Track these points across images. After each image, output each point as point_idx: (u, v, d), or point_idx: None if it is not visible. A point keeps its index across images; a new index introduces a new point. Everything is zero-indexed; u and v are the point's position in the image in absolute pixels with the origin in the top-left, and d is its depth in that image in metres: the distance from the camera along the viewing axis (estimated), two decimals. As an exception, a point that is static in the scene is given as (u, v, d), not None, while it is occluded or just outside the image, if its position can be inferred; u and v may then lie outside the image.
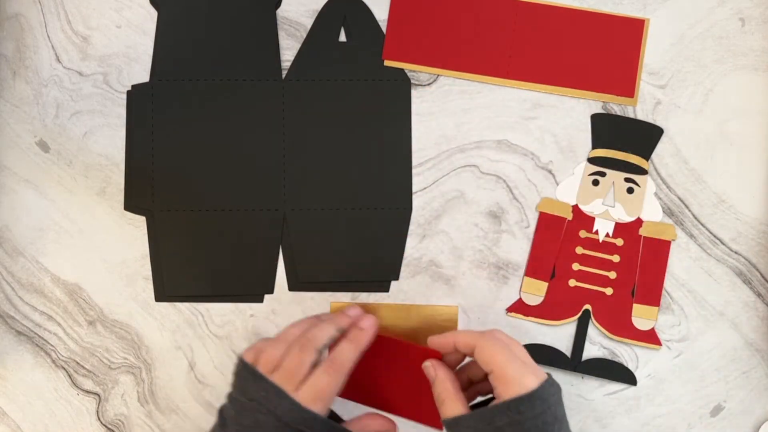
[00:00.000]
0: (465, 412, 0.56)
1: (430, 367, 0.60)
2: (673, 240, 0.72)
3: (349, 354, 0.60)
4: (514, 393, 0.54)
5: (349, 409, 0.70)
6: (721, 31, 0.73)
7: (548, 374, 0.57)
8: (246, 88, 0.73)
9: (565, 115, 0.73)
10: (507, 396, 0.54)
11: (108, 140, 0.73)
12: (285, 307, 0.72)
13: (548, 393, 0.55)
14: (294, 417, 0.55)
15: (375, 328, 0.63)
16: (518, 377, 0.54)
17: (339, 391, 0.59)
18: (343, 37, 0.73)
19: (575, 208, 0.72)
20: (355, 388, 0.64)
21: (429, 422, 0.64)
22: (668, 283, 0.72)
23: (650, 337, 0.72)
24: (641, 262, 0.72)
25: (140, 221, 0.73)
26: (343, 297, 0.72)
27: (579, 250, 0.72)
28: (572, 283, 0.72)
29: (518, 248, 0.72)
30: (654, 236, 0.72)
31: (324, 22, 0.73)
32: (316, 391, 0.56)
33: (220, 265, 0.72)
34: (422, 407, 0.64)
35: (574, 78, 0.72)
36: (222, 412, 0.58)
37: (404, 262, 0.72)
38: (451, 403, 0.57)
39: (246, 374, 0.57)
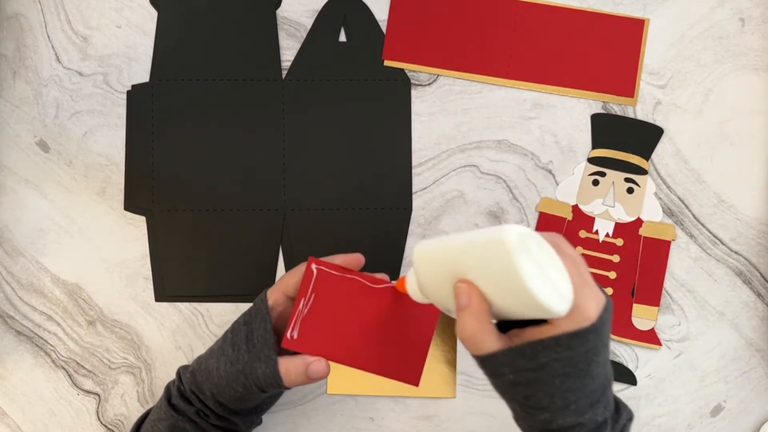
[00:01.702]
0: (502, 347, 0.48)
1: (464, 291, 0.48)
2: (673, 240, 0.72)
3: None
4: (571, 326, 0.46)
5: (349, 408, 0.70)
6: (721, 31, 0.73)
7: (603, 290, 0.50)
8: (246, 88, 0.73)
9: (565, 115, 0.73)
10: (560, 329, 0.46)
11: (108, 140, 0.73)
12: (285, 307, 0.72)
13: (603, 320, 0.48)
14: (269, 382, 0.58)
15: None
16: (582, 306, 0.47)
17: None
18: (343, 37, 0.73)
19: (575, 208, 0.72)
20: (323, 342, 0.60)
21: (403, 377, 0.61)
22: (668, 283, 0.72)
23: (650, 337, 0.72)
24: (641, 262, 0.72)
25: (140, 221, 0.73)
26: (343, 297, 0.72)
27: (579, 250, 0.72)
28: (572, 283, 0.72)
29: (518, 248, 0.72)
30: (654, 236, 0.72)
31: (324, 22, 0.73)
32: (306, 377, 0.58)
33: (220, 265, 0.72)
34: (402, 361, 0.61)
35: (574, 78, 0.72)
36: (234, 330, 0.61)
37: (404, 262, 0.72)
38: (486, 336, 0.48)
39: (263, 321, 0.60)
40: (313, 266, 0.60)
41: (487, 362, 0.49)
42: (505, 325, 0.50)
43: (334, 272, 0.61)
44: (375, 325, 0.61)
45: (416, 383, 0.60)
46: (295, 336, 0.59)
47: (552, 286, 0.45)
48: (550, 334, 0.47)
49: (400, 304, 0.61)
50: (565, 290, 0.46)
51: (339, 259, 0.61)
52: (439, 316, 0.61)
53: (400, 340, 0.61)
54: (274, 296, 0.60)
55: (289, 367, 0.57)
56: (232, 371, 0.58)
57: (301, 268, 0.60)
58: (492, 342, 0.48)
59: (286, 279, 0.61)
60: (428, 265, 0.52)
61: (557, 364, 0.46)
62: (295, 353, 0.59)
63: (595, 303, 0.47)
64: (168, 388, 0.63)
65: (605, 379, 0.50)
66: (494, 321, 0.49)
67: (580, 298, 0.47)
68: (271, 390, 0.58)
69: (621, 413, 0.51)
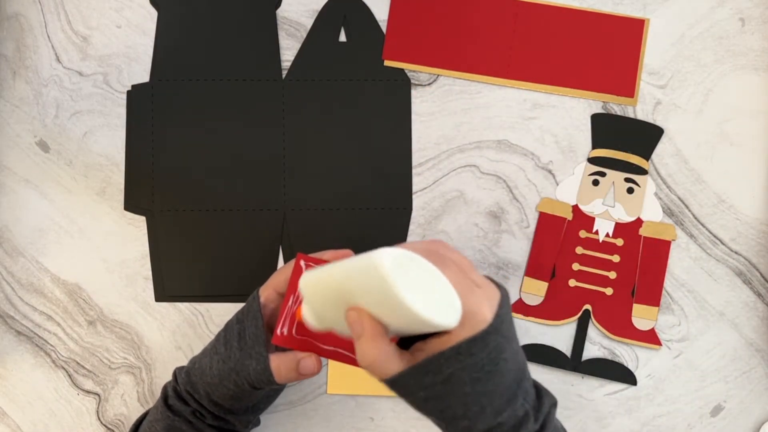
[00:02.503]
0: (406, 366, 0.48)
1: (356, 320, 0.47)
2: (673, 240, 0.72)
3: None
4: (468, 332, 0.46)
5: (349, 408, 0.70)
6: (721, 31, 0.73)
7: (497, 283, 0.50)
8: (246, 88, 0.73)
9: (565, 115, 0.73)
10: (458, 337, 0.46)
11: (108, 140, 0.73)
12: (285, 307, 0.72)
13: (501, 317, 0.48)
14: (260, 379, 0.58)
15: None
16: (475, 310, 0.47)
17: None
18: (343, 37, 0.73)
19: (575, 208, 0.72)
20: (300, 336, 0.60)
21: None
22: (668, 283, 0.72)
23: (650, 337, 0.72)
24: (641, 262, 0.72)
25: (140, 221, 0.73)
26: (343, 297, 0.72)
27: (579, 250, 0.72)
28: (572, 283, 0.72)
29: (518, 248, 0.72)
30: (654, 236, 0.72)
31: (324, 22, 0.73)
32: (296, 374, 0.58)
33: (220, 265, 0.72)
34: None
35: (574, 78, 0.72)
36: (227, 328, 0.61)
37: (404, 262, 0.72)
38: (386, 360, 0.48)
39: (255, 319, 0.60)
40: (302, 262, 0.60)
41: (395, 384, 0.48)
42: (409, 340, 0.50)
43: None
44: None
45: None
46: (285, 332, 0.58)
47: (437, 301, 0.45)
48: (449, 344, 0.46)
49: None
50: (451, 301, 0.46)
51: (328, 255, 0.61)
52: None
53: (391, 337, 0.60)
54: (266, 294, 0.60)
55: (279, 363, 0.57)
56: (224, 369, 0.58)
57: (291, 265, 0.60)
58: (394, 364, 0.48)
59: (276, 276, 0.61)
60: (317, 296, 0.52)
61: (463, 372, 0.46)
62: (287, 350, 0.59)
63: (487, 303, 0.47)
64: (165, 389, 0.63)
65: (518, 371, 0.49)
66: (396, 338, 0.50)
67: (470, 302, 0.47)
68: (262, 386, 0.58)
69: (543, 401, 0.51)
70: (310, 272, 0.52)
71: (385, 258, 0.44)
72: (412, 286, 0.44)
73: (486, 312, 0.47)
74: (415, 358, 0.48)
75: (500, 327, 0.47)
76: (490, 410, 0.47)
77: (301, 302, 0.58)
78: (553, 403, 0.52)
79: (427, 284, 0.46)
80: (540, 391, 0.52)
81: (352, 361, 0.59)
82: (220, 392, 0.59)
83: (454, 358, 0.46)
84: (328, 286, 0.50)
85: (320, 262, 0.60)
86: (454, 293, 0.46)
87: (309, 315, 0.54)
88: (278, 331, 0.58)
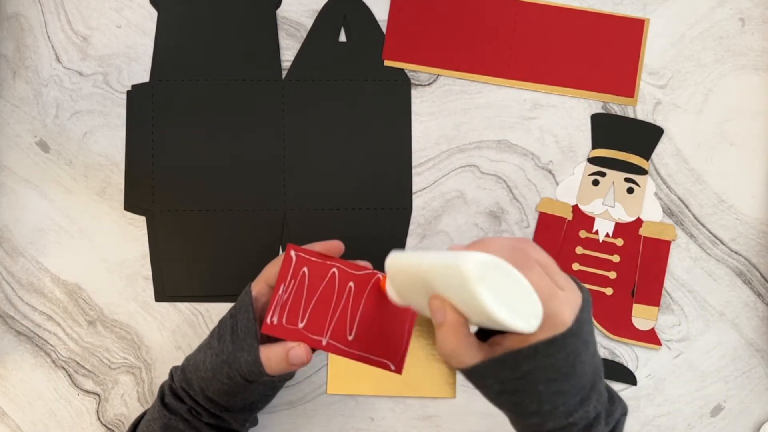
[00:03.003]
0: (483, 358, 0.48)
1: (439, 309, 0.48)
2: (673, 240, 0.72)
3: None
4: (547, 334, 0.46)
5: (349, 408, 0.70)
6: (721, 31, 0.73)
7: (580, 286, 0.50)
8: (246, 88, 0.73)
9: (565, 115, 0.73)
10: (537, 337, 0.46)
11: (108, 140, 0.73)
12: (285, 307, 0.72)
13: (581, 321, 0.48)
14: (252, 371, 0.58)
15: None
16: (556, 313, 0.47)
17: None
18: (343, 37, 0.73)
19: (575, 208, 0.72)
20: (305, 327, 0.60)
21: (384, 365, 0.60)
22: (668, 283, 0.72)
23: (650, 337, 0.72)
24: (641, 262, 0.72)
25: (140, 221, 0.73)
26: (343, 297, 0.72)
27: (579, 250, 0.72)
28: (572, 283, 0.72)
29: (518, 248, 0.72)
30: (654, 236, 0.72)
31: (324, 22, 0.73)
32: (287, 365, 0.58)
33: (220, 265, 0.72)
34: (375, 346, 0.60)
35: (574, 78, 0.72)
36: (220, 326, 0.62)
37: (404, 262, 0.72)
38: (466, 350, 0.48)
39: (246, 313, 0.61)
40: (292, 252, 0.60)
41: (471, 374, 0.49)
42: (487, 330, 0.50)
43: (313, 258, 0.61)
44: (356, 311, 0.60)
45: (399, 371, 0.60)
46: (275, 321, 0.59)
47: (519, 307, 0.46)
48: (528, 342, 0.47)
49: (382, 291, 0.60)
50: (533, 307, 0.46)
51: (319, 246, 0.61)
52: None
53: (382, 328, 0.60)
54: (258, 287, 0.61)
55: (269, 354, 0.57)
56: (217, 362, 0.58)
57: (282, 257, 0.61)
58: (473, 355, 0.49)
59: (268, 269, 0.62)
60: (400, 277, 0.53)
61: (539, 372, 0.47)
62: (277, 340, 0.59)
63: (569, 307, 0.47)
64: (162, 388, 0.63)
65: (593, 373, 0.50)
66: (474, 329, 0.50)
67: (552, 305, 0.47)
68: (254, 379, 0.58)
69: (615, 406, 0.51)
70: (398, 254, 0.53)
71: (470, 264, 0.45)
72: (496, 292, 0.45)
73: (567, 316, 0.47)
74: (493, 351, 0.49)
75: (580, 331, 0.48)
76: (563, 410, 0.48)
77: (292, 291, 0.59)
78: (624, 412, 0.52)
79: (510, 290, 0.46)
80: (613, 397, 0.52)
81: (344, 352, 0.60)
82: (214, 387, 0.59)
83: (531, 357, 0.47)
84: (413, 273, 0.51)
85: (311, 253, 0.60)
86: (536, 299, 0.47)
87: (390, 290, 0.56)
88: (268, 320, 0.59)
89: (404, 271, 0.52)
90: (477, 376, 0.49)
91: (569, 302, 0.48)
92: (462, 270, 0.45)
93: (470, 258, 0.45)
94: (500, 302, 0.45)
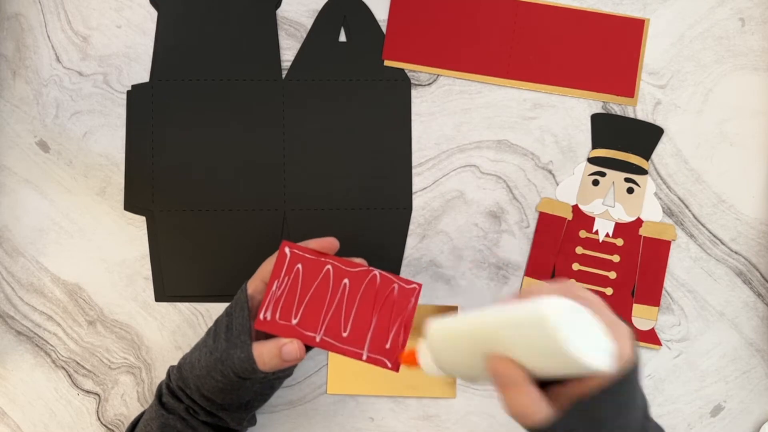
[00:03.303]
0: (555, 412, 0.47)
1: (502, 370, 0.47)
2: (673, 240, 0.72)
3: None
4: (617, 371, 0.46)
5: (349, 408, 0.70)
6: (721, 31, 0.73)
7: (620, 318, 0.49)
8: (246, 88, 0.73)
9: (565, 115, 0.73)
10: (606, 378, 0.46)
11: (108, 140, 0.73)
12: (285, 307, 0.72)
13: (637, 354, 0.48)
14: (245, 368, 0.58)
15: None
16: (621, 351, 0.46)
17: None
18: (343, 37, 0.73)
19: (575, 208, 0.72)
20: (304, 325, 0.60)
21: (380, 362, 0.60)
22: (668, 283, 0.72)
23: (650, 337, 0.72)
24: (641, 262, 0.72)
25: (140, 221, 0.73)
26: (343, 297, 0.72)
27: (579, 250, 0.72)
28: (572, 283, 0.72)
29: (518, 248, 0.72)
30: (654, 236, 0.72)
31: (324, 22, 0.73)
32: (280, 361, 0.58)
33: (220, 265, 0.72)
34: (371, 343, 0.60)
35: (574, 78, 0.72)
36: (216, 325, 0.61)
37: (404, 262, 0.72)
38: (537, 407, 0.47)
39: (242, 311, 0.61)
40: (286, 249, 0.60)
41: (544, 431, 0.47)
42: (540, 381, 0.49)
43: (307, 255, 0.61)
44: (351, 308, 0.60)
45: (395, 369, 0.59)
46: (268, 317, 0.59)
47: (596, 349, 0.45)
48: (597, 384, 0.46)
49: (377, 288, 0.61)
50: (607, 346, 0.46)
51: (314, 243, 0.62)
52: (417, 299, 0.61)
53: (379, 325, 0.60)
54: (253, 285, 0.61)
55: (262, 350, 0.58)
56: (211, 360, 0.58)
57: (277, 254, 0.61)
58: (544, 409, 0.47)
59: (264, 267, 0.62)
60: (446, 344, 0.52)
61: (610, 413, 0.46)
62: (273, 338, 0.59)
63: (628, 340, 0.47)
64: (159, 388, 0.63)
65: (643, 400, 0.49)
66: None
67: (617, 343, 0.46)
68: (247, 375, 0.58)
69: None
70: (442, 320, 0.52)
71: (553, 310, 0.44)
72: (576, 338, 0.44)
73: (629, 351, 0.47)
74: (559, 403, 0.47)
75: (638, 362, 0.48)
76: None
77: (286, 288, 0.59)
78: None
79: (587, 333, 0.46)
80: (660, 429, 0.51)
81: (338, 349, 0.60)
82: (209, 385, 0.59)
83: (603, 399, 0.46)
84: (466, 335, 0.50)
85: (306, 250, 0.61)
86: (608, 338, 0.46)
87: (427, 361, 0.53)
88: (261, 316, 0.59)
89: (454, 335, 0.51)
90: (556, 429, 0.47)
91: (625, 334, 0.47)
92: (544, 317, 0.44)
93: (551, 304, 0.44)
94: (583, 348, 0.44)
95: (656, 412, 0.72)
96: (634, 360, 0.47)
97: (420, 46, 0.73)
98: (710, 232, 0.72)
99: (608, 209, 0.72)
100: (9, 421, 0.72)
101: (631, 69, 0.72)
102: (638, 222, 0.72)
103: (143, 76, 0.73)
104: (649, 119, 0.73)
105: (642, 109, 0.73)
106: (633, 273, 0.72)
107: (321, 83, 0.73)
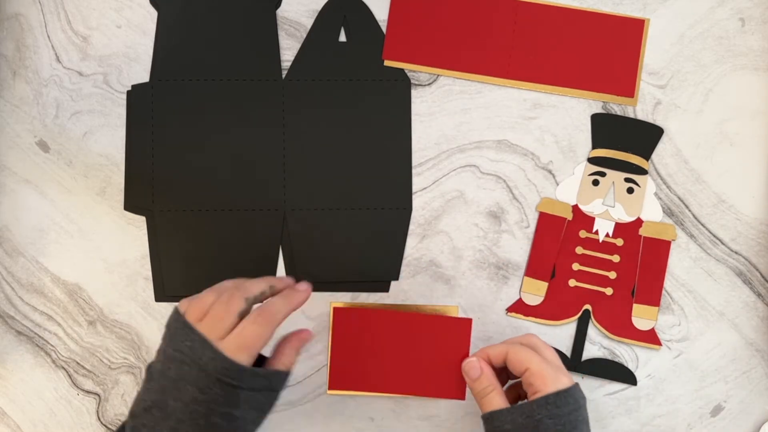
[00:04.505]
0: (506, 406, 0.60)
1: (476, 365, 0.63)
2: (673, 240, 0.72)
3: (280, 307, 0.57)
4: (553, 388, 0.58)
5: (349, 408, 0.70)
6: (721, 31, 0.73)
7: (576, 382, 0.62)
8: (246, 88, 0.73)
9: (565, 115, 0.73)
10: (546, 390, 0.58)
11: (108, 140, 0.73)
12: (285, 307, 0.72)
13: (579, 395, 0.60)
14: (217, 366, 0.53)
15: (309, 292, 0.60)
16: (554, 374, 0.59)
17: (267, 341, 0.56)
18: (343, 37, 0.73)
19: (575, 208, 0.72)
20: (373, 376, 0.69)
21: (452, 394, 0.67)
22: (668, 283, 0.72)
23: (650, 337, 0.72)
24: (641, 262, 0.72)
25: (140, 221, 0.73)
26: (343, 297, 0.72)
27: (579, 250, 0.72)
28: (572, 283, 0.72)
29: (518, 248, 0.72)
30: (654, 236, 0.72)
31: (324, 22, 0.73)
32: (241, 340, 0.54)
33: (220, 265, 0.72)
34: (443, 381, 0.67)
35: (574, 78, 0.72)
36: (150, 368, 0.56)
37: (404, 262, 0.72)
38: (496, 397, 0.61)
39: (175, 324, 0.56)
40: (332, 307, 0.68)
41: (490, 419, 0.60)
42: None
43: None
44: (406, 349, 0.68)
45: (462, 397, 0.66)
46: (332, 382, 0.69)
47: None
48: (540, 394, 0.58)
49: (428, 326, 0.68)
50: None
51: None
52: (471, 328, 0.68)
53: (436, 358, 0.67)
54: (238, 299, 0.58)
55: (228, 342, 0.55)
56: (187, 383, 0.54)
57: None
58: (501, 401, 0.61)
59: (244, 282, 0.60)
60: None
61: (549, 420, 0.57)
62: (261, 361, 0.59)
63: (566, 377, 0.60)
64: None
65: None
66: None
67: (551, 370, 0.60)
68: (231, 376, 0.54)
69: None
70: None
71: None
72: None
73: (564, 379, 0.60)
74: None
75: (579, 400, 0.60)
76: None
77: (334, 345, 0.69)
78: None
79: None
80: None
81: (403, 390, 0.69)
82: (189, 426, 0.54)
83: (543, 406, 0.58)
84: None
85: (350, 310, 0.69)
86: None
87: None
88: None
89: None
90: (498, 419, 0.60)
91: (565, 374, 0.61)
92: None
93: None
94: None
95: (656, 412, 0.72)
96: (572, 384, 0.60)
97: (420, 46, 0.73)
98: (710, 232, 0.72)
99: (608, 209, 0.72)
100: (9, 421, 0.72)
101: (631, 69, 0.72)
102: (638, 222, 0.72)
103: (143, 76, 0.73)
104: (649, 119, 0.73)
105: (642, 109, 0.73)
106: (633, 273, 0.72)
107: (321, 83, 0.73)
